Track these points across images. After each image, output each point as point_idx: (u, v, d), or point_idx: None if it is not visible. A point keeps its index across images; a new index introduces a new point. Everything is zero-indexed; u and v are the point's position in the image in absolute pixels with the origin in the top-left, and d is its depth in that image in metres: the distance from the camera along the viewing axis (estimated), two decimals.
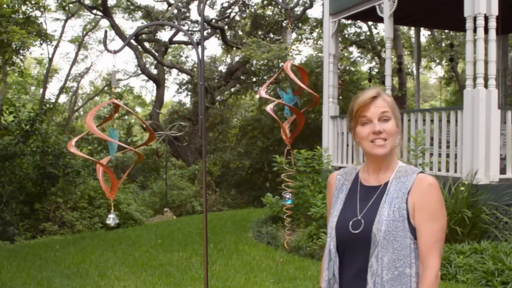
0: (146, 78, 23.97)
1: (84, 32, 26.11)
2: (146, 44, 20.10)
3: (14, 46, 10.46)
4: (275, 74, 2.49)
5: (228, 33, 20.13)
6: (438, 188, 1.83)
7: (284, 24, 19.18)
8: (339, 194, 1.98)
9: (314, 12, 49.23)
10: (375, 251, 1.78)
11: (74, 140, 2.27)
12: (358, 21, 17.47)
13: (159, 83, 20.50)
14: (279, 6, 17.85)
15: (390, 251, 1.77)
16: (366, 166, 1.97)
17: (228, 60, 21.96)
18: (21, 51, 11.45)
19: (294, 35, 19.85)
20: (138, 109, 31.46)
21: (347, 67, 18.68)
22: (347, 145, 8.64)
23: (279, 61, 15.13)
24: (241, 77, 19.89)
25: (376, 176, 1.92)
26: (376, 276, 1.78)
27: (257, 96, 21.07)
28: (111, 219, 2.29)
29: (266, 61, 16.58)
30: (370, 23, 18.34)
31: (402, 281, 1.78)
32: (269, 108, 2.47)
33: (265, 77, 18.83)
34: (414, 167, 1.92)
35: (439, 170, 6.90)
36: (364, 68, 21.72)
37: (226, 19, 19.97)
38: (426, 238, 1.79)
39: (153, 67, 21.81)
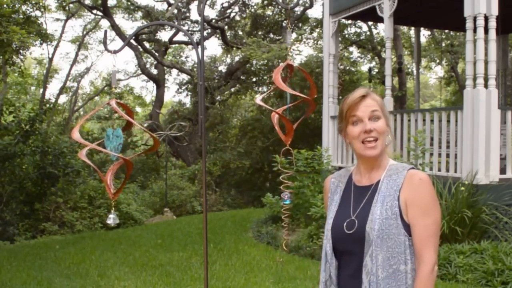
0: (146, 78, 23.98)
1: (84, 32, 26.12)
2: (146, 44, 20.09)
3: (14, 46, 10.46)
4: (273, 86, 2.50)
5: (228, 33, 20.12)
6: (429, 182, 1.83)
7: (284, 24, 19.18)
8: (334, 197, 1.99)
9: (314, 12, 49.27)
10: (369, 250, 1.79)
11: (77, 128, 2.28)
12: (358, 21, 17.47)
13: (159, 83, 20.51)
14: (279, 6, 17.85)
15: (384, 249, 1.78)
16: (358, 167, 1.98)
17: (228, 60, 21.97)
18: (21, 51, 11.46)
19: (294, 35, 19.84)
20: (138, 109, 31.46)
21: (347, 67, 18.68)
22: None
23: (279, 61, 15.13)
24: (241, 77, 19.89)
25: (368, 176, 1.92)
26: (371, 275, 1.78)
27: (257, 96, 21.07)
28: (112, 219, 2.28)
29: (266, 61, 16.59)
30: (370, 23, 18.34)
31: (397, 278, 1.78)
32: (258, 100, 2.48)
33: (265, 77, 18.84)
34: (405, 164, 1.93)
35: (439, 170, 6.90)
36: (364, 68, 21.72)
37: (226, 19, 19.96)
38: (420, 233, 1.79)
39: (153, 67, 21.82)
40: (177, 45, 23.46)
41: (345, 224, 1.86)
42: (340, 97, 11.72)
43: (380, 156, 1.89)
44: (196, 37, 20.45)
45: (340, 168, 7.77)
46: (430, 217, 1.80)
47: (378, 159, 1.90)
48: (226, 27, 19.77)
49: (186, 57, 24.28)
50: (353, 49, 21.40)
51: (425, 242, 1.78)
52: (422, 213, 1.79)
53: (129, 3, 21.51)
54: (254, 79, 20.06)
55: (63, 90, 26.17)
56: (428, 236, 1.79)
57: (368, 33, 20.09)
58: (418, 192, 1.80)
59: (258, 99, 2.48)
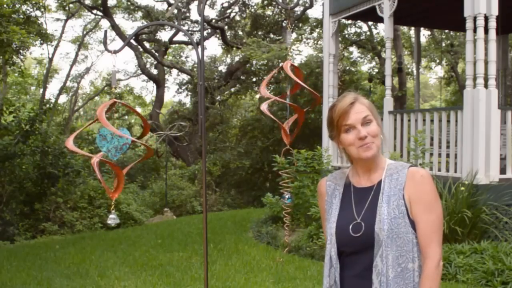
0: (146, 78, 23.97)
1: (85, 32, 26.11)
2: (146, 44, 20.09)
3: (14, 46, 10.47)
4: (273, 72, 2.49)
5: (228, 33, 20.12)
6: (430, 179, 1.85)
7: (284, 24, 19.17)
8: (333, 200, 1.97)
9: (314, 12, 49.23)
10: (379, 250, 1.79)
11: (72, 137, 2.26)
12: (358, 21, 17.46)
13: (159, 83, 20.50)
14: (279, 6, 17.85)
15: (394, 248, 1.78)
16: (354, 169, 1.96)
17: (228, 60, 21.97)
18: (21, 51, 11.47)
19: (294, 35, 19.84)
20: (138, 109, 31.42)
21: (347, 67, 18.68)
22: None
23: (279, 61, 15.14)
24: (241, 77, 19.89)
25: (367, 177, 1.92)
26: (381, 275, 1.78)
27: (257, 96, 21.08)
28: (111, 219, 2.28)
29: (266, 61, 16.59)
30: (370, 23, 18.33)
31: (405, 276, 1.79)
32: (264, 107, 2.48)
33: (265, 77, 18.82)
34: (403, 162, 1.94)
35: (439, 170, 6.90)
36: (364, 68, 21.71)
37: (226, 19, 19.96)
38: (424, 229, 1.80)
39: (153, 67, 21.81)
40: (177, 45, 23.45)
41: (350, 227, 1.85)
42: None
43: (377, 156, 1.90)
44: (196, 37, 20.45)
45: (339, 168, 7.77)
46: (433, 213, 1.81)
47: (375, 159, 1.90)
48: (226, 27, 19.77)
49: (186, 57, 24.30)
50: (353, 49, 21.40)
51: (429, 238, 1.80)
52: (425, 209, 1.81)
53: (129, 3, 21.50)
54: (254, 79, 20.06)
55: (63, 90, 26.17)
56: (432, 231, 1.80)
57: (368, 33, 20.08)
58: (421, 189, 1.82)
59: (264, 106, 2.46)
